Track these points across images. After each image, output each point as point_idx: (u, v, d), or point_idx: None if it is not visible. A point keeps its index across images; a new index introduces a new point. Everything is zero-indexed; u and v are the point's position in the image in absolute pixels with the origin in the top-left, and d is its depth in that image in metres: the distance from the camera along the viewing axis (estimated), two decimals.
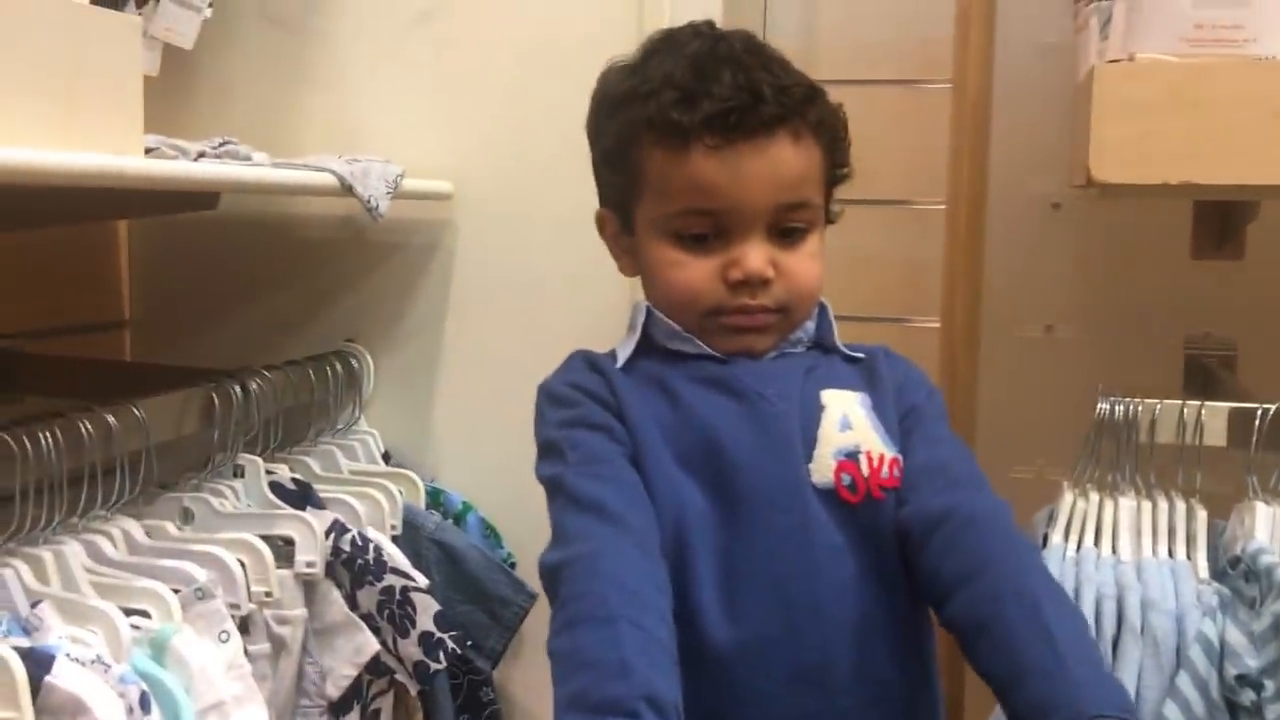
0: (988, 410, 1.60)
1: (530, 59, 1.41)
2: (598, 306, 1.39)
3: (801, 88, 0.95)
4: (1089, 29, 1.30)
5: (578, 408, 0.95)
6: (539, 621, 1.39)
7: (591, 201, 1.38)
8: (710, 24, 1.01)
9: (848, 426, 0.94)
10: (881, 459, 0.93)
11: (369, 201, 1.19)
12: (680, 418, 0.94)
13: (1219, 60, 1.17)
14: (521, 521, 1.42)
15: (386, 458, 1.47)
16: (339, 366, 1.41)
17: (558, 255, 1.41)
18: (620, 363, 0.99)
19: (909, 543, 0.91)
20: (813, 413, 0.95)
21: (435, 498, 1.42)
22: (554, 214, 1.41)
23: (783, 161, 0.93)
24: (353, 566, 1.20)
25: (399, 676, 1.23)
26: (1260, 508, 1.20)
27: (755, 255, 0.93)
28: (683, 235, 0.95)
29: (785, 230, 0.95)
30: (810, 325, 1.01)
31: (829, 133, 0.98)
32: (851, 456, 0.93)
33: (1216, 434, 1.24)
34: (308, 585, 1.17)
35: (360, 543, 1.20)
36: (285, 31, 1.48)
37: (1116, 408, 1.26)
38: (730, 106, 0.91)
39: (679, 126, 0.92)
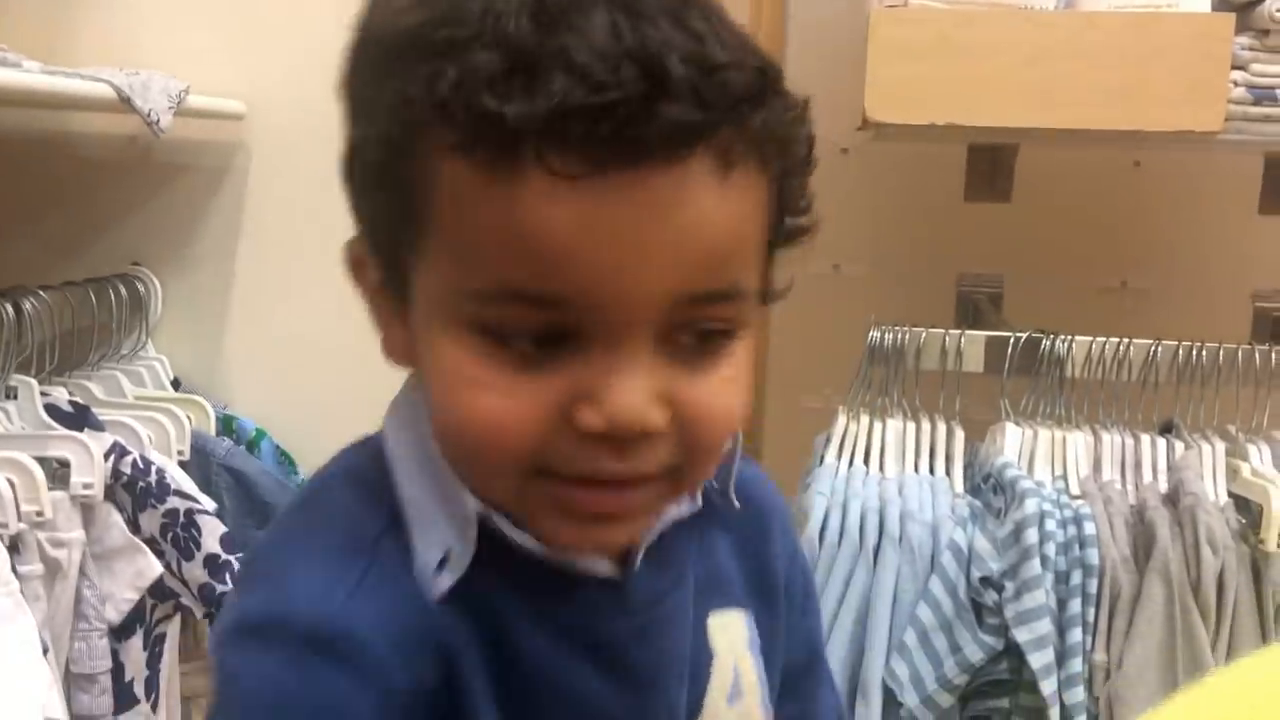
0: (779, 343, 1.68)
1: None
2: None
3: (744, 68, 0.49)
4: None
5: None
6: None
7: None
8: None
9: (738, 694, 0.64)
10: None
11: (149, 115, 1.16)
12: (526, 690, 0.56)
13: (983, 9, 1.24)
14: (316, 447, 1.40)
15: (176, 384, 1.44)
16: (123, 290, 1.37)
17: None
18: (439, 586, 0.54)
19: None
20: (701, 664, 0.62)
21: (227, 424, 1.40)
22: None
23: (697, 212, 0.49)
24: (134, 489, 1.18)
25: (185, 600, 1.22)
26: (1010, 428, 1.30)
27: (631, 386, 0.50)
28: (494, 332, 0.51)
29: (696, 335, 0.52)
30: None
31: (784, 154, 0.53)
32: None
33: (975, 360, 1.34)
34: (85, 508, 1.14)
35: (142, 465, 1.18)
36: None
37: (886, 336, 1.34)
38: (604, 98, 0.46)
39: (500, 123, 0.47)
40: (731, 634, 0.64)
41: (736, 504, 0.63)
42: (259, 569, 0.59)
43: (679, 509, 0.60)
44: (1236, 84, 1.25)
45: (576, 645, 0.57)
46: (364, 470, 0.58)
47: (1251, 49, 1.26)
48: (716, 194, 0.49)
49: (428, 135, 0.49)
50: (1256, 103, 1.26)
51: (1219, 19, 1.22)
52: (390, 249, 0.54)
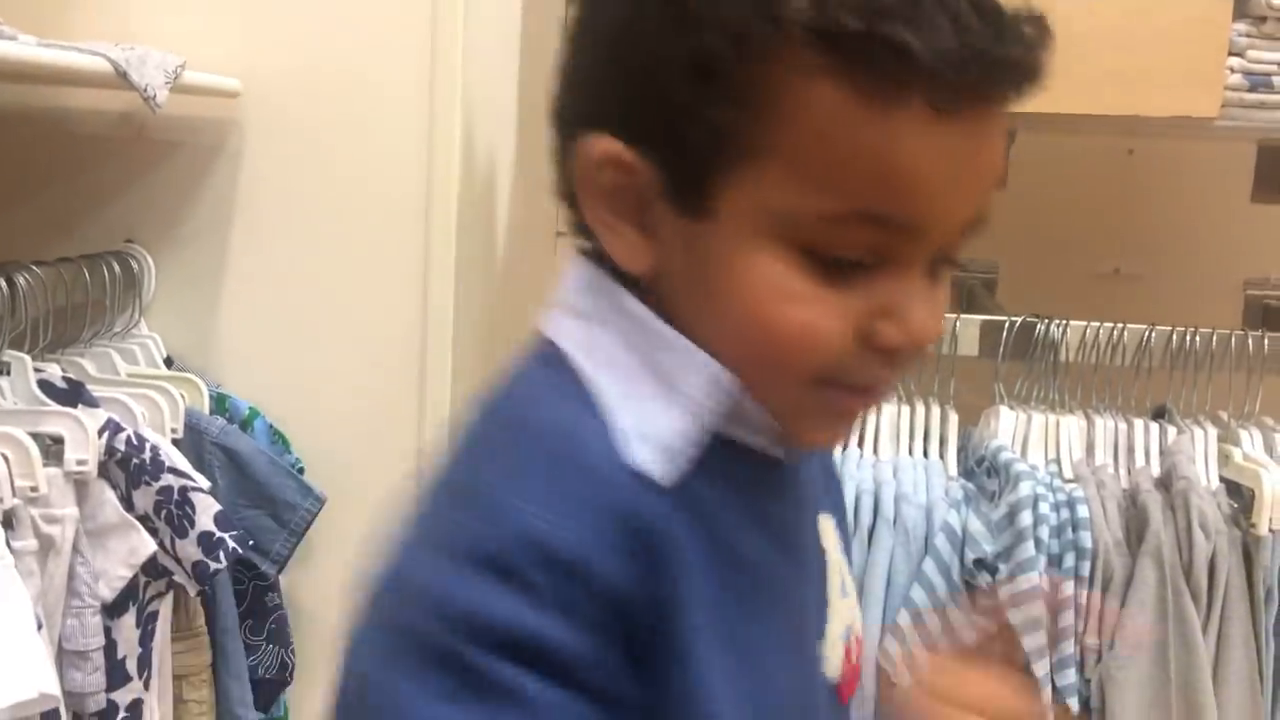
0: None
1: None
2: (390, 215, 1.39)
3: (1038, 13, 0.54)
4: None
5: (539, 644, 0.50)
6: (328, 527, 1.40)
7: (390, 107, 1.40)
8: None
9: (845, 591, 0.66)
10: (860, 642, 0.67)
11: (145, 90, 1.15)
12: (745, 623, 0.56)
13: None
14: (310, 427, 1.42)
15: (169, 363, 1.43)
16: (117, 267, 1.36)
17: (351, 162, 1.40)
18: (652, 464, 0.54)
19: None
20: (820, 565, 0.65)
21: (220, 403, 1.40)
22: (349, 118, 1.39)
23: (997, 149, 0.54)
24: (128, 466, 1.17)
25: (178, 578, 1.22)
26: (1004, 411, 1.31)
27: (927, 309, 0.54)
28: (824, 253, 0.53)
29: (942, 260, 0.56)
30: None
31: None
32: (847, 639, 0.65)
33: (969, 344, 1.34)
34: (79, 484, 1.14)
35: (136, 442, 1.18)
36: None
37: None
38: (982, 42, 0.50)
39: (902, 56, 0.49)
40: (830, 535, 0.66)
41: None
42: (477, 497, 0.54)
43: None
44: (1233, 70, 1.26)
45: (772, 528, 0.59)
46: (553, 381, 0.57)
47: (1248, 35, 1.26)
48: (1001, 138, 0.54)
49: (796, 54, 0.50)
50: (1252, 89, 1.27)
51: (1216, 5, 1.23)
52: (698, 159, 0.54)
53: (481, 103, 1.45)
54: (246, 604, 1.36)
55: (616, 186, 0.56)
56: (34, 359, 1.21)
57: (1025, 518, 1.16)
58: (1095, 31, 1.22)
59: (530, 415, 0.56)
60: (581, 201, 0.58)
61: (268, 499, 1.34)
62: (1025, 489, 1.18)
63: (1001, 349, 1.32)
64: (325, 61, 1.39)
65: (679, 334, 0.56)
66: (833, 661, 0.63)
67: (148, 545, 1.17)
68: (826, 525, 0.66)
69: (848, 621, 0.65)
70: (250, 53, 1.40)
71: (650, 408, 0.55)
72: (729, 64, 0.51)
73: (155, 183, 1.44)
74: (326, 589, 1.44)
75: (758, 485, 0.59)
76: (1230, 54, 1.25)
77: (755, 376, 0.56)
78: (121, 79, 1.14)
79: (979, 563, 1.18)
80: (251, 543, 1.31)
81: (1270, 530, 1.19)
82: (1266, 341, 1.30)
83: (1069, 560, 1.18)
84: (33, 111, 1.41)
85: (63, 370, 1.24)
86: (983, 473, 1.27)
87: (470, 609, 0.49)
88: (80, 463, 1.13)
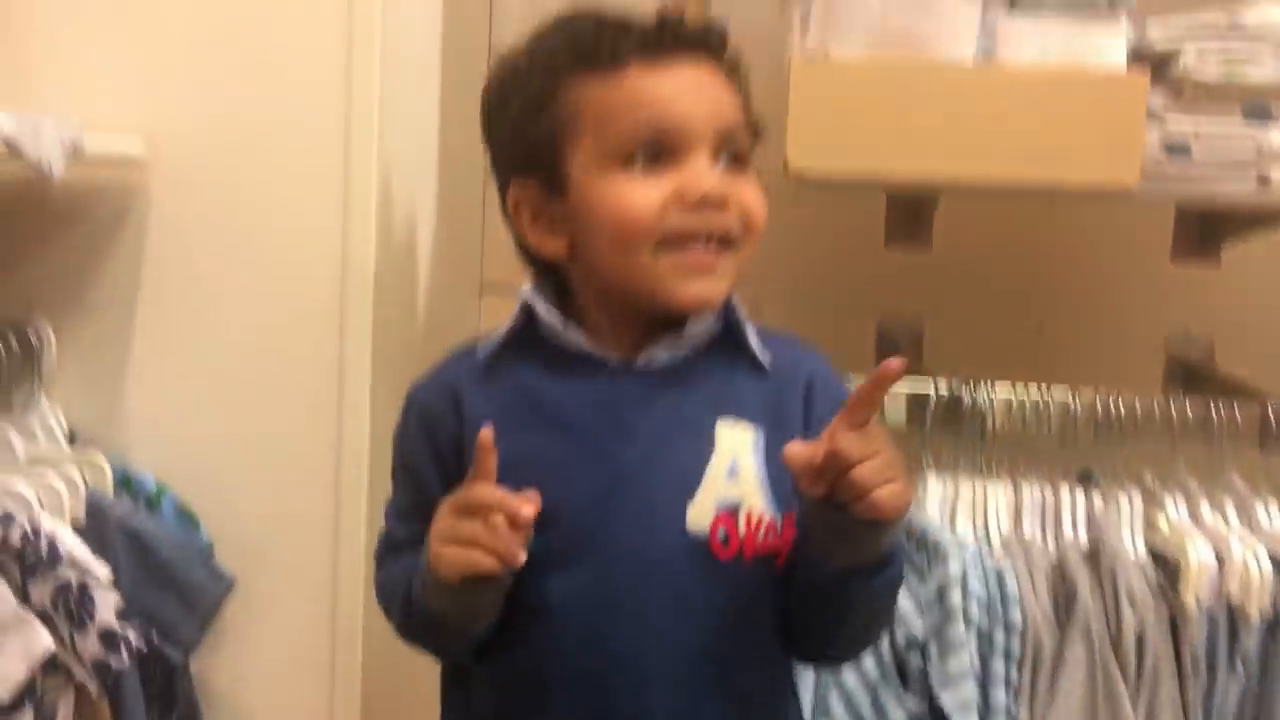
0: None
1: (232, 13, 1.33)
2: (303, 281, 1.35)
3: (718, 26, 0.95)
4: (793, 19, 1.35)
5: (407, 450, 0.98)
6: (240, 608, 1.35)
7: (302, 169, 1.35)
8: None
9: (734, 474, 0.90)
10: (759, 523, 0.89)
11: (39, 163, 1.10)
12: (536, 445, 0.91)
13: (902, 61, 1.24)
14: (221, 504, 1.36)
15: (73, 439, 1.37)
16: (14, 341, 1.30)
17: (262, 226, 1.35)
18: (482, 352, 0.96)
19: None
20: (701, 450, 0.90)
21: (126, 482, 1.34)
22: (258, 180, 1.34)
23: (718, 85, 0.92)
24: (23, 559, 1.12)
25: (78, 676, 1.16)
26: (932, 481, 1.29)
27: (710, 174, 0.88)
28: (629, 162, 0.89)
29: (731, 156, 0.91)
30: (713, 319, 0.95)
31: (742, 78, 0.96)
32: (732, 511, 0.89)
33: (897, 414, 1.32)
34: None
35: (31, 533, 1.12)
36: None
37: None
38: (659, 24, 0.91)
39: (612, 48, 0.89)
40: (737, 437, 0.91)
41: (762, 354, 0.95)
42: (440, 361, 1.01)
43: (702, 327, 0.93)
44: (1152, 139, 1.26)
45: (586, 399, 0.92)
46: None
47: (1166, 104, 1.27)
48: (723, 83, 0.92)
49: (569, 71, 0.91)
50: (1171, 157, 1.27)
51: (1135, 76, 1.23)
52: (550, 158, 0.91)
53: (400, 160, 1.41)
54: (155, 691, 1.30)
55: (529, 214, 0.94)
56: None
57: (955, 596, 1.15)
58: (1015, 101, 1.22)
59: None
60: (517, 229, 0.96)
61: (175, 582, 1.28)
62: (954, 566, 1.16)
63: (929, 419, 1.31)
64: (233, 121, 1.35)
65: (529, 289, 0.96)
66: (698, 519, 0.88)
67: (45, 642, 1.11)
68: (733, 427, 0.91)
69: (728, 496, 0.89)
70: (155, 112, 1.35)
71: (500, 328, 0.96)
72: (546, 97, 0.91)
73: (57, 250, 1.38)
74: (240, 673, 1.38)
75: (575, 369, 0.92)
76: (1149, 120, 1.25)
77: (621, 260, 0.89)
78: (13, 152, 1.08)
79: (910, 642, 1.16)
80: (158, 629, 1.25)
81: (1196, 602, 1.18)
82: (1189, 405, 1.30)
83: (999, 635, 1.17)
84: None
85: None
86: (911, 545, 1.25)
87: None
88: None
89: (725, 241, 0.89)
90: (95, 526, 1.25)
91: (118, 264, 1.37)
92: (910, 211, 1.51)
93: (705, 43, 0.92)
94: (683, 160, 0.88)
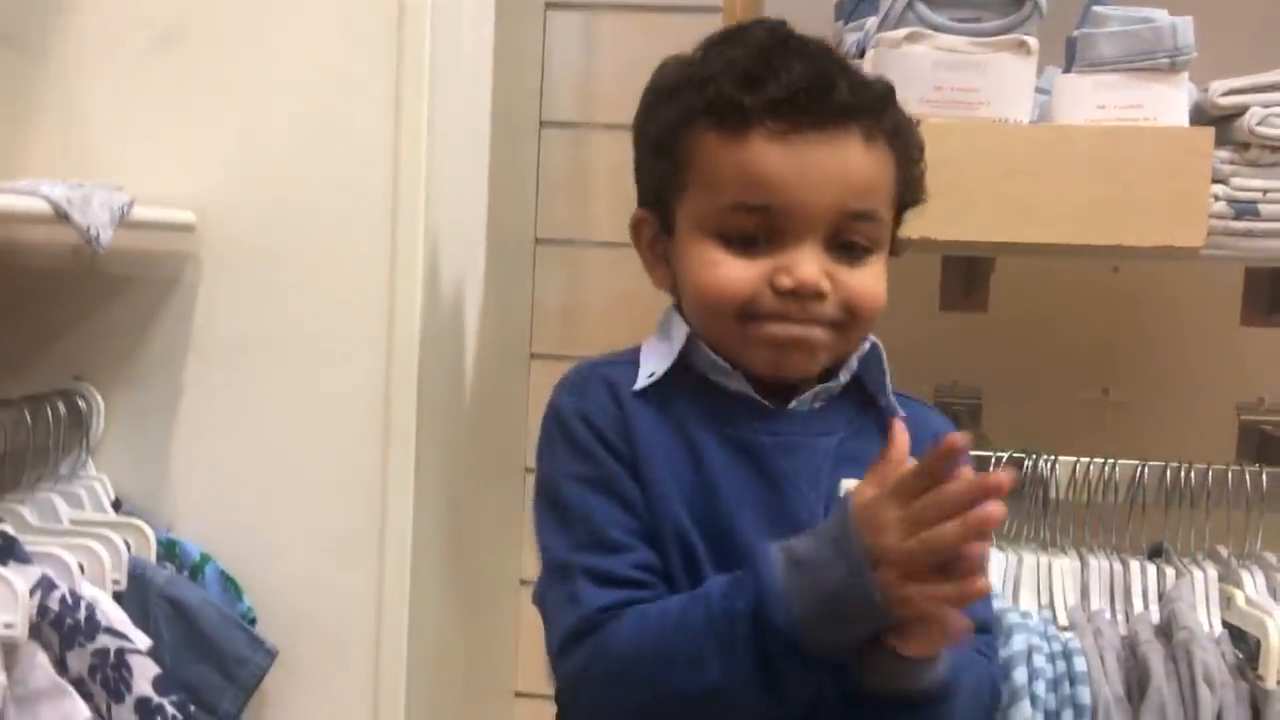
0: None
1: (282, 86, 1.34)
2: (349, 351, 1.34)
3: (880, 84, 0.87)
4: None
5: (594, 462, 0.86)
6: (282, 679, 1.32)
7: (349, 239, 1.34)
8: (781, 21, 0.91)
9: None
10: None
11: (89, 231, 1.11)
12: (699, 481, 0.86)
13: (956, 121, 1.21)
14: (264, 574, 1.34)
15: (118, 505, 1.36)
16: (62, 407, 1.30)
17: (310, 297, 1.35)
18: (640, 383, 0.89)
19: None
20: (829, 502, 0.86)
21: (169, 549, 1.32)
22: (307, 249, 1.34)
23: (854, 160, 0.84)
24: (61, 627, 1.10)
25: None
26: (994, 553, 1.24)
27: (810, 262, 0.84)
28: (728, 234, 0.85)
29: (846, 244, 0.86)
30: (854, 360, 0.92)
31: (903, 144, 0.89)
32: None
33: None
34: (8, 648, 1.06)
35: (70, 600, 1.10)
36: (14, 48, 1.37)
37: None
38: (800, 89, 0.83)
39: (739, 107, 0.83)
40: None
41: (900, 411, 0.91)
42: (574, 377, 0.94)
43: (838, 380, 0.91)
44: (1217, 198, 1.22)
45: (743, 453, 0.87)
46: (624, 355, 0.95)
47: (1232, 163, 1.23)
48: (863, 155, 0.85)
49: (695, 122, 0.86)
50: (1238, 217, 1.23)
51: (1199, 133, 1.20)
52: (664, 199, 0.90)
53: (448, 229, 1.41)
54: None
55: (646, 240, 0.94)
56: None
57: (1020, 674, 1.09)
58: (1075, 160, 1.19)
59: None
60: (636, 247, 0.96)
61: (216, 653, 1.26)
62: (1019, 642, 1.11)
63: None
64: (282, 191, 1.35)
65: (680, 319, 0.92)
66: None
67: (81, 712, 1.09)
68: (854, 486, 0.82)
69: None
70: (206, 182, 1.36)
71: (652, 357, 0.91)
72: (671, 138, 0.89)
73: (107, 318, 1.38)
74: None
75: (727, 410, 0.88)
76: (1214, 181, 1.21)
77: (708, 324, 0.88)
78: (62, 219, 1.09)
79: None
80: (197, 701, 1.23)
81: (1278, 682, 1.12)
82: (1265, 477, 1.24)
83: (1067, 717, 1.11)
84: None
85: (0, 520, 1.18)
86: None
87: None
88: (8, 626, 1.06)
89: (823, 323, 0.86)
90: (137, 593, 1.23)
91: (167, 330, 1.37)
92: (966, 272, 1.48)
93: (853, 111, 0.84)
94: (785, 246, 0.84)
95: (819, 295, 0.84)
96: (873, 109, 0.85)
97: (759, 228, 0.84)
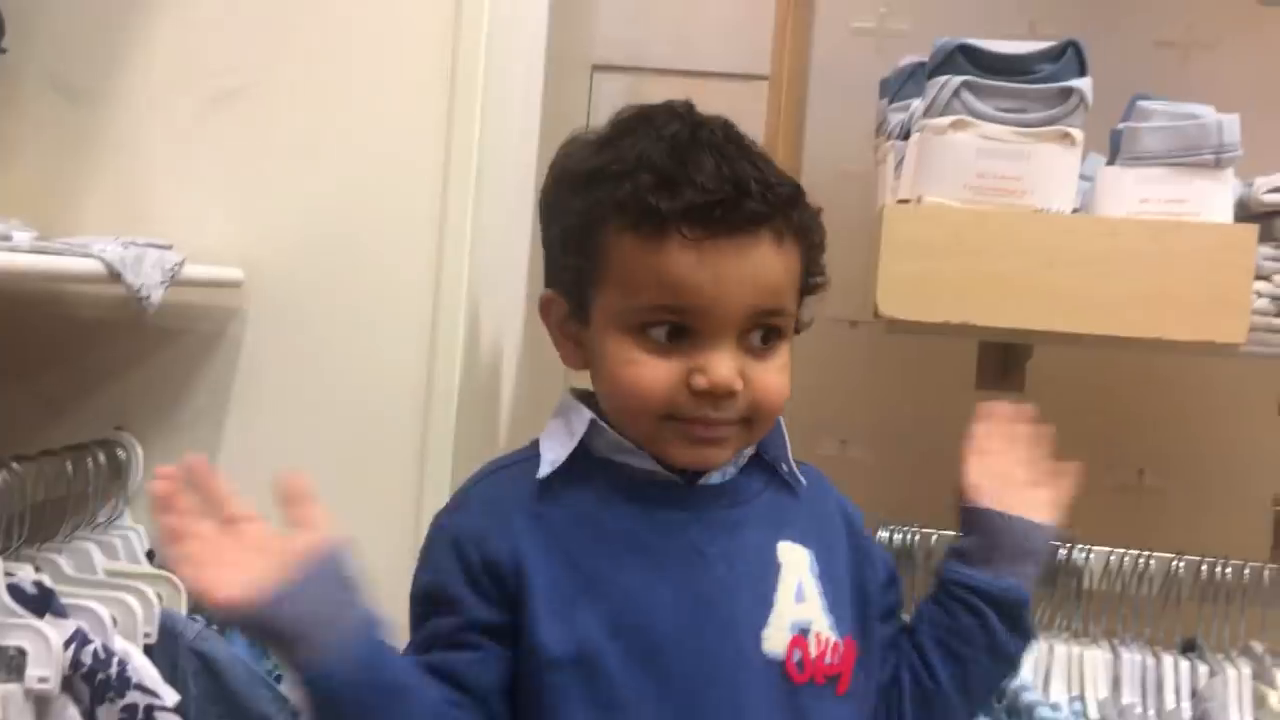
0: None
1: (335, 147, 1.37)
2: (388, 406, 1.35)
3: (787, 186, 0.89)
4: (886, 164, 1.35)
5: (443, 603, 0.90)
6: None
7: (389, 299, 1.36)
8: (688, 105, 0.93)
9: (801, 598, 0.90)
10: (827, 644, 0.89)
11: (139, 290, 1.13)
12: (608, 570, 0.88)
13: (998, 209, 1.22)
14: None
15: (151, 556, 1.37)
16: (102, 457, 1.31)
17: (352, 352, 1.36)
18: (543, 471, 0.91)
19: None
20: (769, 571, 0.90)
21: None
22: (351, 307, 1.36)
23: (764, 263, 0.87)
24: (93, 681, 1.11)
25: None
26: None
27: (724, 364, 0.86)
28: (645, 333, 0.87)
29: (758, 338, 0.89)
30: None
31: (808, 237, 0.92)
32: (804, 633, 0.89)
33: None
34: (39, 701, 1.07)
35: (103, 655, 1.11)
36: (73, 100, 1.40)
37: (895, 536, 1.28)
38: (715, 199, 0.84)
39: (656, 213, 0.84)
40: (796, 558, 0.91)
41: (801, 479, 0.96)
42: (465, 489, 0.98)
43: (743, 454, 0.94)
44: (1260, 294, 1.22)
45: (655, 521, 0.90)
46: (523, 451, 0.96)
47: (1274, 259, 1.23)
48: (773, 255, 0.87)
49: (610, 221, 0.87)
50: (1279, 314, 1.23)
51: (1242, 229, 1.20)
52: (577, 289, 0.91)
53: (490, 283, 1.42)
54: None
55: (555, 319, 0.95)
56: (8, 557, 1.16)
57: None
58: (1116, 253, 1.19)
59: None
60: (545, 326, 0.96)
61: (241, 709, 1.26)
62: None
63: None
64: (330, 249, 1.37)
65: (580, 405, 0.93)
66: (774, 642, 0.87)
67: None
68: (792, 549, 0.92)
69: (800, 619, 0.89)
70: (255, 238, 1.38)
71: (553, 444, 0.92)
72: (579, 237, 0.90)
73: (152, 368, 1.40)
74: None
75: (641, 490, 0.91)
76: (1257, 278, 1.21)
77: (626, 419, 0.90)
78: (115, 279, 1.11)
79: None
80: None
81: None
82: None
83: None
84: (31, 295, 1.39)
85: (36, 569, 1.19)
86: (1002, 710, 1.19)
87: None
88: (42, 680, 1.06)
89: (733, 423, 0.89)
90: (167, 647, 1.24)
91: (210, 383, 1.39)
92: (1003, 355, 1.48)
93: (765, 216, 0.86)
94: (700, 345, 0.87)
95: (731, 394, 0.87)
96: (781, 211, 0.87)
97: (675, 327, 0.87)
